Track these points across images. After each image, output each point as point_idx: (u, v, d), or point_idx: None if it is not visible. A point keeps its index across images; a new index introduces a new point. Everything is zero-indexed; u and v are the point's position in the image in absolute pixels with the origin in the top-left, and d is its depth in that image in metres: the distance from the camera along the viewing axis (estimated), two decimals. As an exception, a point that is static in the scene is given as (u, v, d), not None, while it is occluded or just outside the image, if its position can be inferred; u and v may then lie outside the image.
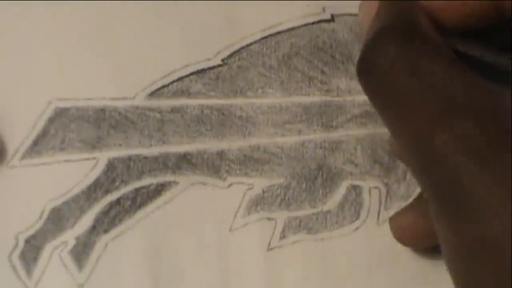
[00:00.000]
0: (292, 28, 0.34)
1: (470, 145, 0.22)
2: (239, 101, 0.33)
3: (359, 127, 0.33)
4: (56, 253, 0.32)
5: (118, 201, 0.32)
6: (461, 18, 0.27)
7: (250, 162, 0.33)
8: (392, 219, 0.33)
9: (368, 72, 0.26)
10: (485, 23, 0.27)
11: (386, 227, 0.32)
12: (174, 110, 0.33)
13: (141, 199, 0.32)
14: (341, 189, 0.33)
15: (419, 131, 0.23)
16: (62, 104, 0.33)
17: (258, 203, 0.33)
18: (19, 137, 0.33)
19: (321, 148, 0.33)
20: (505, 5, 0.27)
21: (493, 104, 0.23)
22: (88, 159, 0.32)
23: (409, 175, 0.33)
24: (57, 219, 0.32)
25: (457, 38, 0.27)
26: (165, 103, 0.33)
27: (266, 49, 0.34)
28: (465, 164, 0.22)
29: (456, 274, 0.23)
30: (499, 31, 0.28)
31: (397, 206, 0.33)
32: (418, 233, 0.32)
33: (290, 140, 0.33)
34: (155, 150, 0.33)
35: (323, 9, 0.34)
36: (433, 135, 0.22)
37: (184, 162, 0.33)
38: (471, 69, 0.24)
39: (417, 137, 0.23)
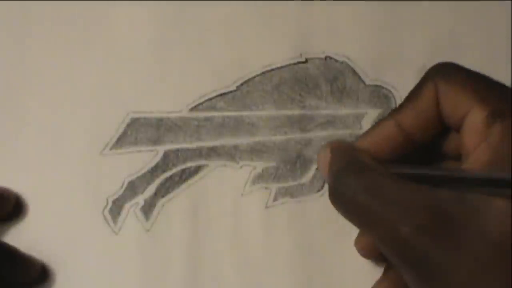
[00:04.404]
0: (281, 67, 0.37)
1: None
2: (247, 113, 0.37)
3: (323, 130, 0.37)
4: (132, 209, 0.36)
5: (170, 177, 0.37)
6: (385, 151, 0.29)
7: (254, 152, 0.37)
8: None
9: (338, 200, 0.27)
10: (409, 149, 0.29)
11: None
12: (206, 119, 0.37)
13: (185, 176, 0.37)
14: (312, 170, 0.37)
15: (386, 229, 0.25)
16: (135, 115, 0.37)
17: (259, 178, 0.37)
18: (108, 135, 0.37)
19: (299, 144, 0.37)
20: (414, 136, 0.29)
21: (425, 200, 0.24)
22: (151, 150, 0.37)
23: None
24: (132, 188, 0.37)
25: (392, 164, 0.28)
26: (200, 114, 0.37)
27: (265, 79, 0.37)
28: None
29: None
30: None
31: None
32: None
33: (279, 138, 0.37)
34: (194, 145, 0.37)
35: (300, 55, 0.38)
36: (397, 228, 0.24)
37: (212, 152, 0.37)
38: (410, 181, 0.25)
39: (383, 232, 0.25)
